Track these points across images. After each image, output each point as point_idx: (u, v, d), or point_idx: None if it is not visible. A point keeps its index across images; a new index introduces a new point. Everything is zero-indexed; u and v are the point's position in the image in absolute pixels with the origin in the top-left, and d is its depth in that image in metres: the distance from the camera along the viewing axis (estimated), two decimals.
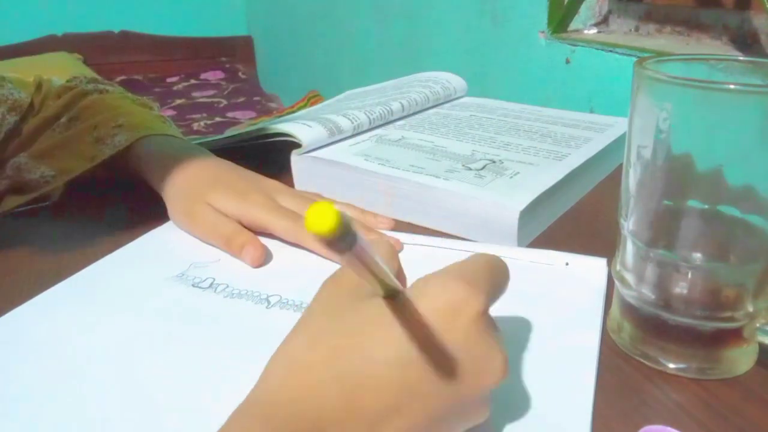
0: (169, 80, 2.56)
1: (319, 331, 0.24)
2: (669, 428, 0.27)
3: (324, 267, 0.41)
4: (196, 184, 0.46)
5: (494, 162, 0.51)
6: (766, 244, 0.29)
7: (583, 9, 0.99)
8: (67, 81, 0.57)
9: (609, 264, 0.37)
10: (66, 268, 0.41)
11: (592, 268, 0.39)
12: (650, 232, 0.31)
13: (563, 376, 0.30)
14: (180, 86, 2.51)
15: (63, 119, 0.52)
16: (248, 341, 0.33)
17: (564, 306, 0.36)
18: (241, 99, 2.35)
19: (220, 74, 2.64)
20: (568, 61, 0.95)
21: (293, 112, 0.88)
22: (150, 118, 0.54)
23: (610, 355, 0.32)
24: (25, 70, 0.67)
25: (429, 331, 0.22)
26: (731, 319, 0.29)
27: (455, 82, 0.74)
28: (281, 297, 0.37)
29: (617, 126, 0.61)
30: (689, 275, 0.29)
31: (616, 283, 0.33)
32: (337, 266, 0.40)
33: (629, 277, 0.32)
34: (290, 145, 0.54)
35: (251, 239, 0.42)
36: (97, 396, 0.29)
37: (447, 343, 0.23)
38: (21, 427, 0.28)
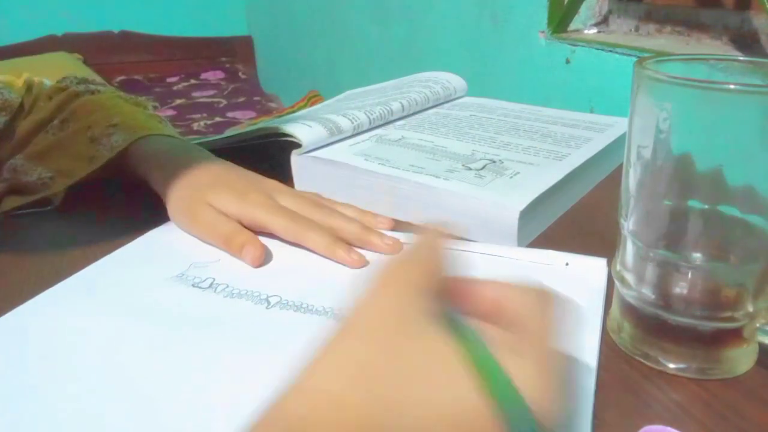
0: (169, 80, 2.56)
1: (355, 353, 0.20)
2: (669, 428, 0.27)
3: (324, 267, 0.41)
4: (196, 184, 0.46)
5: (494, 162, 0.51)
6: (766, 244, 0.29)
7: (583, 9, 0.99)
8: (57, 82, 0.57)
9: (609, 264, 0.37)
10: (66, 268, 0.41)
11: (592, 268, 0.39)
12: (650, 232, 0.30)
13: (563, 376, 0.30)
14: (180, 86, 2.51)
15: (56, 121, 0.52)
16: (248, 341, 0.33)
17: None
18: (241, 99, 2.35)
19: (220, 74, 2.64)
20: (568, 61, 0.95)
21: (293, 112, 0.88)
22: (145, 118, 0.54)
23: (610, 355, 0.32)
24: (25, 70, 0.67)
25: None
26: (731, 319, 0.29)
27: (455, 82, 0.74)
28: (281, 297, 0.37)
29: (617, 126, 0.61)
30: (689, 275, 0.29)
31: (616, 283, 0.33)
32: (338, 266, 0.41)
33: (629, 277, 0.32)
34: (290, 145, 0.54)
35: (251, 239, 0.42)
36: (97, 396, 0.29)
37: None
38: (21, 426, 0.28)
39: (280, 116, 1.02)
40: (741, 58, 0.32)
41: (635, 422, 0.27)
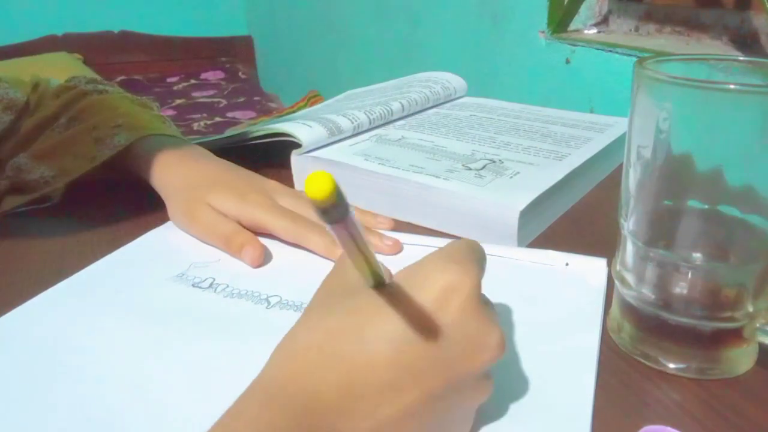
0: (169, 80, 2.56)
1: (316, 318, 0.24)
2: (669, 428, 0.27)
3: (324, 267, 0.41)
4: (196, 184, 0.46)
5: (494, 162, 0.51)
6: (766, 244, 0.29)
7: (583, 9, 0.99)
8: (66, 81, 0.57)
9: (609, 264, 0.37)
10: (66, 268, 0.41)
11: (592, 269, 0.39)
12: (650, 232, 0.30)
13: (563, 376, 0.30)
14: (180, 86, 2.51)
15: (62, 119, 0.53)
16: (248, 341, 0.33)
17: (564, 306, 0.36)
18: (241, 99, 2.35)
19: (220, 74, 2.64)
20: (568, 61, 0.95)
21: (293, 112, 0.88)
22: (149, 118, 0.54)
23: (610, 355, 0.32)
24: (25, 70, 0.67)
25: (422, 312, 0.23)
26: (731, 319, 0.29)
27: (455, 82, 0.74)
28: (281, 297, 0.37)
29: (617, 126, 0.61)
30: (689, 275, 0.29)
31: (616, 283, 0.33)
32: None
33: (629, 277, 0.32)
34: (290, 145, 0.54)
35: (250, 239, 0.42)
36: (97, 396, 0.29)
37: (441, 321, 0.23)
38: (21, 426, 0.28)
39: (280, 116, 1.03)
40: (741, 58, 0.32)
41: (635, 422, 0.27)
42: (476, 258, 0.26)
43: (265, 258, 0.42)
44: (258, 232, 0.44)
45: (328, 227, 0.19)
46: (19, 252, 0.45)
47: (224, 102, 2.33)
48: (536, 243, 0.45)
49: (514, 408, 0.28)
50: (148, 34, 2.56)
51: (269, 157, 0.56)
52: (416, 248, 0.43)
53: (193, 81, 2.57)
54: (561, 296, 0.37)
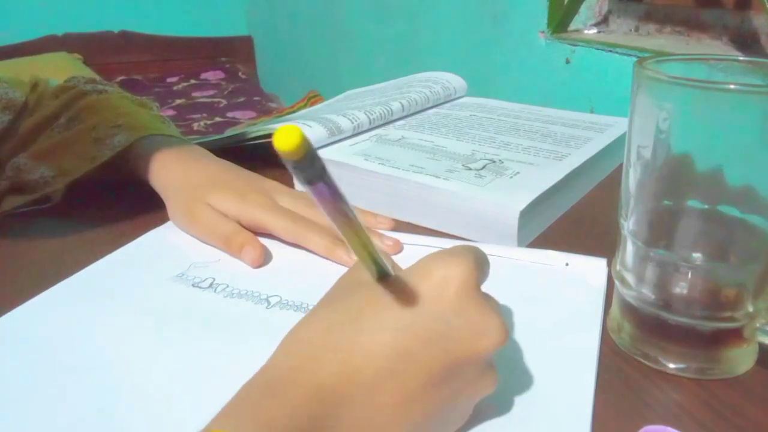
0: (169, 80, 2.56)
1: (319, 313, 0.25)
2: (669, 428, 0.27)
3: (324, 267, 0.41)
4: (196, 184, 0.46)
5: (494, 162, 0.51)
6: (766, 244, 0.29)
7: (583, 9, 0.99)
8: (65, 81, 0.57)
9: (609, 264, 0.37)
10: (66, 268, 0.41)
11: (592, 269, 0.39)
12: (650, 232, 0.31)
13: (563, 376, 0.30)
14: (180, 86, 2.51)
15: (62, 119, 0.52)
16: (248, 341, 0.33)
17: (564, 306, 0.36)
18: (241, 99, 2.35)
19: (220, 74, 2.63)
20: (568, 61, 0.95)
21: (293, 112, 0.88)
22: (149, 118, 0.54)
23: (610, 355, 0.32)
24: (25, 70, 0.67)
25: (420, 300, 0.24)
26: (731, 319, 0.29)
27: (455, 82, 0.74)
28: (281, 297, 0.37)
29: (617, 126, 0.61)
30: (689, 275, 0.29)
31: (616, 283, 0.33)
32: (338, 267, 0.41)
33: (629, 277, 0.32)
34: None
35: (250, 239, 0.42)
36: (97, 396, 0.29)
37: (439, 308, 0.24)
38: (22, 426, 0.28)
39: (280, 116, 1.03)
40: (741, 58, 0.32)
41: (635, 422, 0.27)
42: (474, 254, 0.26)
43: (265, 258, 0.42)
44: (258, 232, 0.43)
45: (307, 190, 0.19)
46: (19, 252, 0.45)
47: (224, 102, 2.33)
48: (536, 243, 0.45)
49: (514, 408, 0.28)
50: (148, 34, 2.56)
51: (269, 157, 0.56)
52: (416, 248, 0.43)
53: (193, 81, 2.57)
54: (561, 296, 0.37)
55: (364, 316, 0.23)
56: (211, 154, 0.50)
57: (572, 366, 0.31)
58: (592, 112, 0.88)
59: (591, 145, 0.55)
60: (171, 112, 2.19)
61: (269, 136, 0.56)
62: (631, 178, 0.31)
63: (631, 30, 0.96)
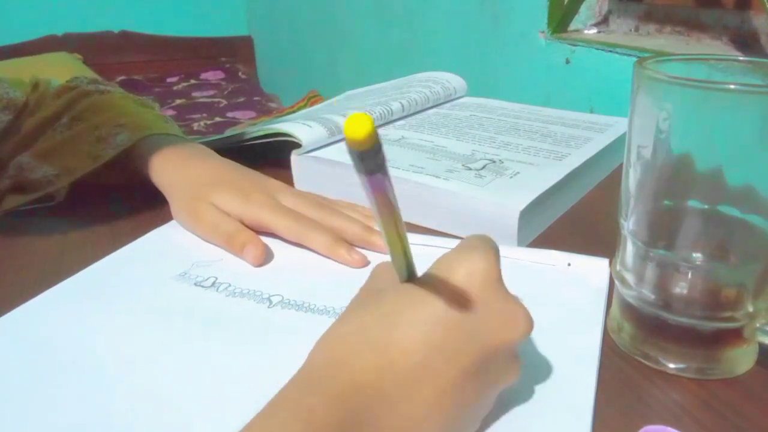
0: (169, 80, 2.56)
1: (353, 311, 0.26)
2: (669, 428, 0.27)
3: (326, 267, 0.41)
4: (199, 183, 0.46)
5: (494, 162, 0.51)
6: (766, 244, 0.29)
7: (583, 9, 0.99)
8: (68, 81, 0.57)
9: (610, 264, 0.37)
10: (66, 268, 0.41)
11: (594, 269, 0.39)
12: (650, 232, 0.31)
13: (563, 376, 0.30)
14: (180, 86, 2.51)
15: (64, 119, 0.53)
16: (249, 340, 0.33)
17: (566, 306, 0.36)
18: (241, 99, 2.35)
19: (220, 74, 2.63)
20: (568, 61, 0.95)
21: (293, 112, 0.88)
22: (152, 117, 0.54)
23: (610, 355, 0.32)
24: (25, 70, 0.67)
25: (448, 295, 0.24)
26: (731, 319, 0.29)
27: (455, 82, 0.74)
28: (283, 297, 0.37)
29: (617, 126, 0.61)
30: (689, 275, 0.29)
31: (617, 283, 0.33)
32: (340, 266, 0.41)
33: (629, 277, 0.32)
34: (290, 145, 0.54)
35: (252, 238, 0.42)
36: (98, 396, 0.29)
37: (467, 302, 0.24)
38: (21, 426, 0.28)
39: (280, 116, 1.03)
40: (741, 58, 0.32)
41: (635, 422, 0.27)
42: (491, 245, 0.27)
43: (266, 257, 0.42)
44: (260, 232, 0.44)
45: (362, 180, 0.19)
46: (19, 252, 0.45)
47: (224, 102, 2.33)
48: (536, 243, 0.45)
49: (515, 408, 0.28)
50: (148, 34, 2.56)
51: (269, 157, 0.56)
52: (416, 248, 0.43)
53: (193, 81, 2.57)
54: (563, 296, 0.37)
55: (397, 313, 0.24)
56: (215, 153, 0.50)
57: (573, 366, 0.31)
58: (592, 112, 0.88)
59: (591, 145, 0.55)
60: (171, 112, 2.19)
61: (269, 136, 0.56)
62: (631, 178, 0.31)
63: (631, 30, 0.96)
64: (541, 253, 0.41)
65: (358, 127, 0.16)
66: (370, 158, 0.18)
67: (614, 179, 0.55)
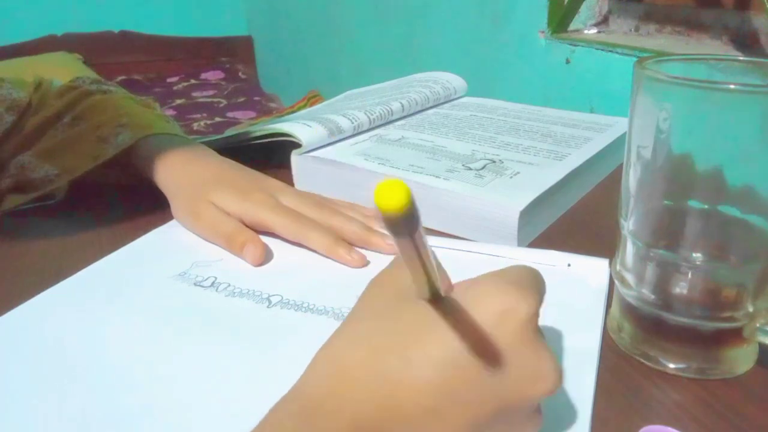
0: (169, 80, 2.56)
1: (361, 331, 0.23)
2: (669, 428, 0.27)
3: (326, 266, 0.41)
4: (199, 182, 0.46)
5: (494, 162, 0.51)
6: (766, 244, 0.29)
7: (583, 9, 0.99)
8: (70, 81, 0.57)
9: (610, 264, 0.37)
10: (66, 268, 0.41)
11: (594, 269, 0.39)
12: (650, 232, 0.31)
13: (563, 376, 0.30)
14: (180, 86, 2.51)
15: (66, 119, 0.53)
16: (248, 340, 0.33)
17: (566, 307, 0.36)
18: (241, 99, 2.35)
19: (220, 74, 2.64)
20: (568, 61, 0.95)
21: (293, 112, 0.88)
22: (153, 117, 0.54)
23: (610, 355, 0.32)
24: (25, 70, 0.67)
25: (477, 334, 0.22)
26: (731, 319, 0.29)
27: (455, 82, 0.74)
28: (282, 297, 0.37)
29: (617, 126, 0.61)
30: (689, 275, 0.29)
31: (616, 283, 0.33)
32: (340, 266, 0.41)
33: (629, 277, 0.32)
34: (290, 145, 0.54)
35: (252, 238, 0.42)
36: (98, 394, 0.29)
37: (496, 347, 0.22)
38: (22, 426, 0.28)
39: (280, 116, 1.03)
40: (741, 58, 0.32)
41: (635, 422, 0.27)
42: (537, 285, 0.24)
43: (266, 257, 0.42)
44: (260, 231, 0.44)
45: (392, 240, 0.17)
46: (19, 252, 0.45)
47: (224, 102, 2.33)
48: (536, 243, 0.45)
49: None
50: (148, 34, 2.56)
51: (269, 157, 0.56)
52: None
53: (193, 81, 2.57)
54: (562, 297, 0.37)
55: (412, 344, 0.21)
56: (216, 153, 0.50)
57: (573, 366, 0.31)
58: (592, 112, 0.88)
59: (591, 145, 0.55)
60: (171, 112, 2.19)
61: (269, 136, 0.56)
62: (631, 178, 0.31)
63: (631, 30, 0.96)
64: (541, 253, 0.41)
65: (392, 199, 0.14)
66: (402, 225, 0.16)
67: (614, 179, 0.55)
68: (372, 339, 0.22)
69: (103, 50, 2.47)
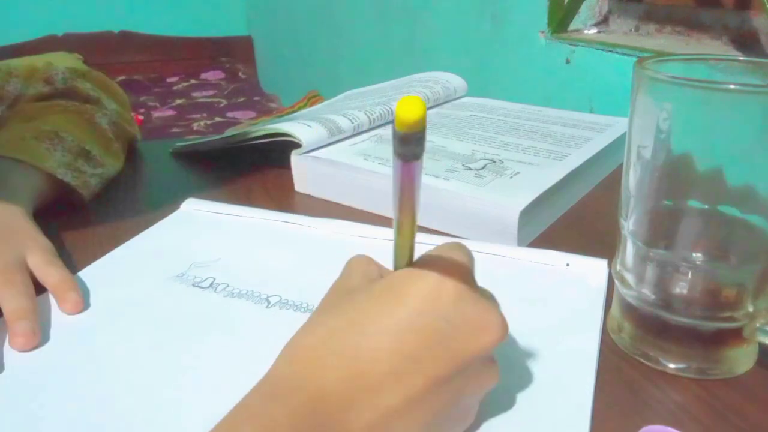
0: (169, 80, 2.56)
1: (319, 318, 0.25)
2: (669, 428, 0.27)
3: (324, 268, 0.41)
4: None
5: (494, 162, 0.51)
6: (766, 244, 0.29)
7: (583, 9, 0.99)
8: (44, 65, 0.58)
9: (610, 265, 0.37)
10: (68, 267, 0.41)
11: (593, 269, 0.39)
12: (650, 232, 0.30)
13: (563, 377, 0.30)
14: (180, 86, 2.52)
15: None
16: (247, 341, 0.33)
17: (564, 307, 0.36)
18: (241, 99, 2.35)
19: (220, 74, 2.64)
20: (568, 61, 0.95)
21: (293, 112, 0.88)
22: (21, 137, 0.49)
23: (610, 355, 0.32)
24: None
25: (419, 301, 0.24)
26: (731, 319, 0.29)
27: (455, 82, 0.74)
28: (281, 297, 0.37)
29: (617, 126, 0.61)
30: (689, 275, 0.29)
31: (617, 283, 0.33)
32: (337, 267, 0.41)
33: (629, 277, 0.32)
34: (290, 145, 0.54)
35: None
36: (95, 394, 0.29)
37: (439, 308, 0.24)
38: (17, 426, 0.28)
39: (280, 116, 1.03)
40: (741, 58, 0.32)
41: (635, 422, 0.27)
42: (465, 250, 0.27)
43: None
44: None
45: (396, 164, 0.19)
46: None
47: (224, 102, 2.34)
48: (536, 243, 0.45)
49: (514, 408, 0.28)
50: (148, 34, 2.57)
51: (269, 158, 0.56)
52: (416, 247, 0.43)
53: (193, 81, 2.58)
54: (561, 297, 0.37)
55: (365, 320, 0.23)
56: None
57: (572, 366, 0.31)
58: (592, 112, 0.88)
59: (591, 145, 0.55)
60: (171, 112, 2.20)
61: (269, 136, 0.56)
62: (632, 178, 0.31)
63: (631, 30, 0.96)
64: (540, 253, 0.41)
65: (411, 108, 0.16)
66: (413, 143, 0.17)
67: (614, 179, 0.55)
68: (328, 322, 0.24)
69: (103, 50, 2.47)
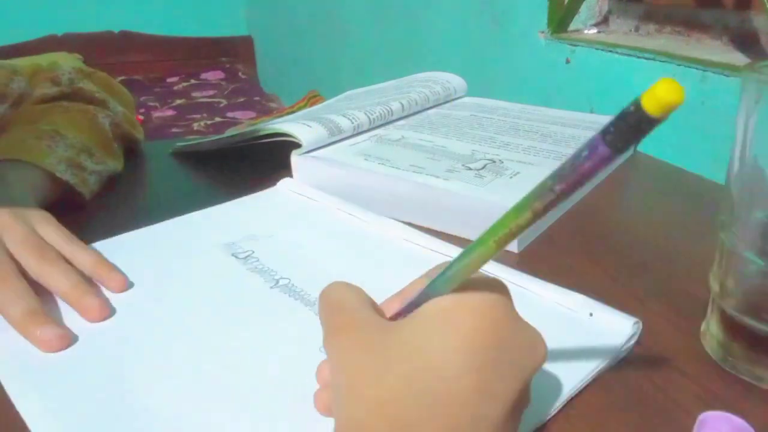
0: (169, 80, 2.56)
1: (366, 383, 0.22)
2: (729, 414, 0.25)
3: (353, 262, 0.41)
4: None
5: (494, 162, 0.51)
6: None
7: (583, 9, 0.99)
8: (49, 65, 0.58)
9: (639, 315, 0.33)
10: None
11: (617, 326, 0.33)
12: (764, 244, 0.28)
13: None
14: (180, 86, 2.52)
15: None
16: (238, 316, 0.35)
17: (574, 362, 0.31)
18: (241, 99, 2.35)
19: (220, 74, 2.64)
20: (568, 61, 0.95)
21: (293, 112, 0.88)
22: (23, 140, 0.49)
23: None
24: None
25: (481, 325, 0.23)
26: None
27: (455, 82, 0.74)
28: (290, 281, 0.38)
29: None
30: None
31: (718, 301, 0.30)
32: (358, 264, 0.41)
33: (735, 292, 0.29)
34: (290, 145, 0.54)
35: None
36: (109, 360, 0.31)
37: (500, 331, 0.23)
38: (49, 398, 0.29)
39: (280, 116, 1.03)
40: None
41: None
42: (504, 287, 0.25)
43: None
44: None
45: (596, 152, 0.17)
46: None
47: (224, 102, 2.33)
48: (536, 244, 0.45)
49: None
50: (148, 34, 2.57)
51: (269, 158, 0.56)
52: (416, 248, 0.43)
53: (193, 81, 2.57)
54: (576, 351, 0.32)
55: (431, 363, 0.22)
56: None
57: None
58: (592, 112, 0.88)
59: None
60: (171, 112, 2.20)
61: (269, 136, 0.56)
62: (739, 190, 0.28)
63: (631, 30, 0.96)
64: (564, 294, 0.36)
65: (675, 90, 0.14)
66: (645, 131, 0.15)
67: (614, 179, 0.55)
68: (376, 391, 0.22)
69: (103, 50, 2.47)
